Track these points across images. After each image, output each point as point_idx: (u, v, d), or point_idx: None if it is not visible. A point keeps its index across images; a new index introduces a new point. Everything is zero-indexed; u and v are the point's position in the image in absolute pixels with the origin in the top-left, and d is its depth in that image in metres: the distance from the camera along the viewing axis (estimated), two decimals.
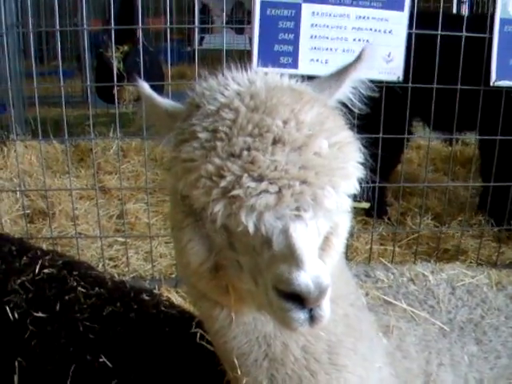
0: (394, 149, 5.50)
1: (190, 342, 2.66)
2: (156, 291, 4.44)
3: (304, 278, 1.61)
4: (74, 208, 5.60)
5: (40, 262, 3.20)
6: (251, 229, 1.69)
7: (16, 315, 2.86)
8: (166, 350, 2.69)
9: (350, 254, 5.41)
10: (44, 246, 5.17)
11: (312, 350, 2.20)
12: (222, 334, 2.16)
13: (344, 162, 1.78)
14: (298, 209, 1.70)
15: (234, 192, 1.65)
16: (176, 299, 4.60)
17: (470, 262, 5.42)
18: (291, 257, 1.63)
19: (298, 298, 1.64)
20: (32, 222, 6.09)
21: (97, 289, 3.04)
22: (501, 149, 5.26)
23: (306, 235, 1.70)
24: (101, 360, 2.54)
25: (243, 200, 1.66)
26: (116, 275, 4.90)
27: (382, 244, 5.99)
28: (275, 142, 1.71)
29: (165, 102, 2.12)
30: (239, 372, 2.19)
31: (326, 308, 1.70)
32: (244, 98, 1.82)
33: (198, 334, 2.63)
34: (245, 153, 1.69)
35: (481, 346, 3.05)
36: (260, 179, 1.67)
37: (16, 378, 2.65)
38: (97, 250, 5.42)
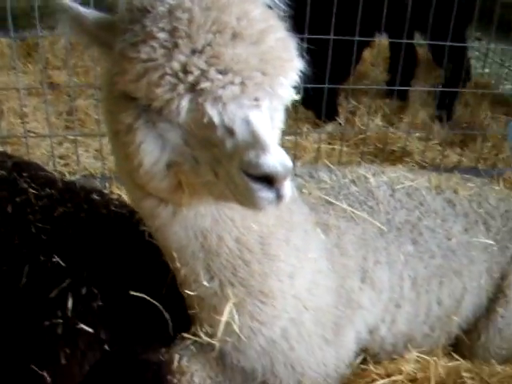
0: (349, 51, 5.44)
1: (139, 240, 2.81)
2: (107, 190, 4.58)
3: (272, 160, 1.79)
4: (23, 105, 5.46)
5: None
6: (216, 120, 1.83)
7: None
8: (116, 248, 2.78)
9: (298, 152, 5.43)
10: None
11: (245, 241, 2.40)
12: (163, 230, 2.33)
13: (291, 55, 1.99)
14: (256, 99, 1.87)
15: (202, 85, 1.78)
16: (126, 195, 4.67)
17: (413, 165, 5.57)
18: (256, 143, 1.81)
19: (266, 180, 1.82)
20: None
21: (47, 190, 3.06)
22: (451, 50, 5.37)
23: (266, 123, 1.87)
24: (54, 260, 2.60)
25: (209, 93, 1.80)
26: (67, 174, 4.98)
27: (330, 143, 6.07)
28: (234, 37, 1.85)
29: (89, 13, 2.10)
30: (178, 264, 2.40)
31: (288, 187, 1.89)
32: None
33: (147, 232, 2.78)
34: (208, 48, 1.81)
35: (417, 247, 3.25)
36: (225, 72, 1.81)
37: None
38: (47, 149, 5.36)
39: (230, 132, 1.85)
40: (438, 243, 3.36)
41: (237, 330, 2.58)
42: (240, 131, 1.85)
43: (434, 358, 3.18)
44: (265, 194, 1.86)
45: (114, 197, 3.61)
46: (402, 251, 3.24)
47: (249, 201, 1.90)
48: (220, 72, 1.81)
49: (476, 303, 3.46)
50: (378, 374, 3.12)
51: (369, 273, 3.10)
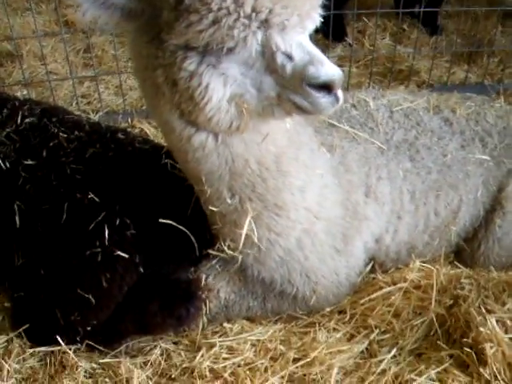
0: None
1: (163, 171, 3.12)
2: (129, 124, 4.86)
3: (330, 70, 2.24)
4: (42, 47, 5.55)
5: (20, 112, 3.45)
6: (282, 46, 2.25)
7: (8, 164, 3.18)
8: (143, 181, 3.09)
9: None
10: (18, 90, 5.37)
11: (264, 162, 2.75)
12: (200, 160, 2.67)
13: None
14: (304, 26, 2.32)
15: (273, 20, 2.21)
16: (148, 129, 4.96)
17: (421, 83, 5.72)
18: (313, 59, 2.24)
19: (325, 88, 2.25)
20: (1, 65, 6.08)
21: (76, 132, 3.35)
22: None
23: (311, 43, 2.33)
24: (89, 196, 2.91)
25: (277, 25, 2.23)
26: (90, 112, 5.20)
27: (340, 65, 6.01)
28: None
29: None
30: (205, 186, 2.75)
31: (341, 92, 2.32)
32: None
33: (169, 164, 3.10)
34: None
35: (414, 163, 3.52)
36: (286, 7, 2.21)
37: (17, 218, 3.03)
38: (69, 89, 5.54)
39: (289, 57, 2.26)
40: (434, 159, 3.60)
41: (256, 241, 2.94)
42: (297, 54, 2.26)
43: (437, 267, 3.47)
44: (327, 98, 2.29)
45: (137, 134, 3.89)
46: (401, 168, 3.51)
47: (315, 107, 2.32)
48: (283, 7, 2.20)
49: (473, 214, 3.72)
50: (385, 282, 3.42)
51: (372, 187, 3.40)
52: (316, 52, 2.29)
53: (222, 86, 2.33)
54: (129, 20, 2.41)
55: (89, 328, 2.93)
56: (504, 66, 6.10)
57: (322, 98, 2.28)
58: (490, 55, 6.20)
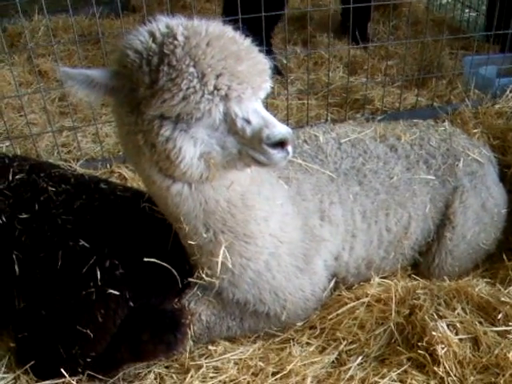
0: None
1: (143, 214, 3.50)
2: (108, 169, 5.18)
3: (282, 130, 2.69)
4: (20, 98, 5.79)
5: (11, 169, 3.74)
6: (240, 114, 2.70)
7: (4, 219, 3.46)
8: (127, 225, 3.44)
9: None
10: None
11: (231, 200, 3.17)
12: (179, 204, 3.08)
13: (266, 61, 2.88)
14: (258, 96, 2.78)
15: (231, 95, 2.65)
16: (126, 173, 5.30)
17: (376, 111, 6.09)
18: (267, 123, 2.69)
19: (280, 145, 2.69)
20: None
21: (63, 185, 3.65)
22: None
23: (264, 109, 2.79)
24: (80, 243, 3.23)
25: (235, 98, 2.66)
26: (71, 161, 5.49)
27: (299, 99, 6.56)
28: (237, 58, 2.69)
29: (95, 72, 2.80)
30: (183, 224, 3.16)
31: (291, 147, 2.76)
32: (201, 37, 2.70)
33: (147, 207, 3.49)
34: (225, 71, 2.62)
35: (362, 186, 3.94)
36: (241, 83, 2.66)
37: (16, 267, 3.32)
38: (49, 139, 5.82)
39: (248, 121, 2.70)
40: (381, 182, 4.02)
41: (230, 267, 3.35)
42: (254, 119, 2.70)
43: (395, 281, 3.85)
44: (280, 154, 2.73)
45: (118, 182, 4.24)
46: (351, 191, 3.93)
47: (271, 161, 2.75)
48: (238, 84, 2.64)
49: (424, 228, 4.14)
50: (349, 298, 3.76)
51: (326, 212, 3.81)
52: (269, 116, 2.73)
53: (192, 147, 2.75)
54: (111, 94, 2.85)
55: (89, 359, 3.23)
56: (452, 88, 6.45)
57: (277, 154, 2.72)
58: (438, 78, 6.59)
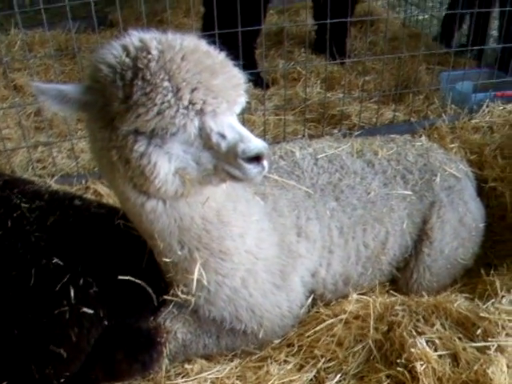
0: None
1: (118, 231, 3.46)
2: (83, 185, 5.13)
3: (257, 145, 2.65)
4: None
5: None
6: (215, 129, 2.66)
7: None
8: (101, 242, 3.39)
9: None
10: None
11: (207, 216, 3.14)
12: (153, 220, 3.04)
13: (241, 75, 2.86)
14: (233, 110, 2.76)
15: (206, 109, 2.63)
16: (102, 189, 5.24)
17: (353, 126, 6.09)
18: (243, 137, 2.66)
19: (255, 160, 2.66)
20: None
21: (37, 202, 3.59)
22: None
23: (238, 123, 2.76)
24: (54, 261, 3.18)
25: (210, 112, 2.64)
26: (46, 176, 5.43)
27: (276, 114, 6.55)
28: (212, 72, 2.67)
29: (69, 87, 2.76)
30: (158, 241, 3.12)
31: (267, 162, 2.73)
32: (175, 51, 2.67)
33: (121, 224, 3.46)
34: (200, 85, 2.60)
35: (339, 202, 3.93)
36: (216, 97, 2.63)
37: None
38: (24, 155, 5.75)
39: (223, 136, 2.67)
40: (358, 197, 4.02)
41: (206, 284, 3.31)
42: (229, 133, 2.66)
43: (373, 297, 3.81)
44: (256, 169, 2.69)
45: (92, 199, 4.20)
46: (327, 207, 3.92)
47: (246, 176, 2.71)
48: (213, 98, 2.62)
49: (402, 244, 4.13)
50: (327, 315, 3.73)
51: (302, 228, 3.79)
52: (244, 131, 2.71)
53: (167, 163, 2.71)
54: (85, 110, 2.81)
55: (62, 379, 3.15)
56: (429, 103, 6.48)
57: (253, 169, 2.69)
58: (415, 93, 6.61)
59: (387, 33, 7.28)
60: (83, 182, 5.41)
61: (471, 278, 4.44)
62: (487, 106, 6.13)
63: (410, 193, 4.14)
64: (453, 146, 5.45)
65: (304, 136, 5.72)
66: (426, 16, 9.19)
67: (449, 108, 6.27)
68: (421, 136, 5.41)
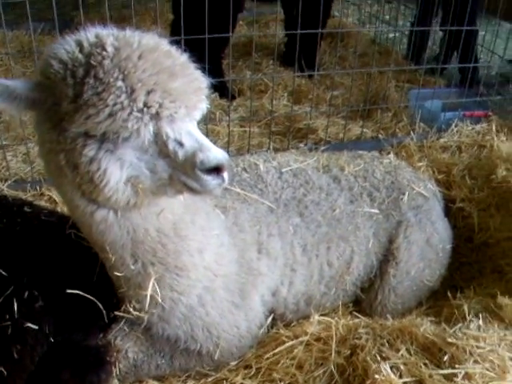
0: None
1: (68, 242, 3.27)
2: (37, 191, 4.91)
3: (217, 155, 2.45)
4: None
5: None
6: (171, 135, 2.46)
7: None
8: (49, 253, 3.18)
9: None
10: None
11: (162, 229, 2.93)
12: (104, 231, 2.82)
13: (204, 79, 2.65)
14: (192, 116, 2.54)
15: (163, 113, 2.41)
16: (57, 196, 4.97)
17: (319, 141, 5.98)
18: (202, 146, 2.45)
19: (215, 171, 2.46)
20: None
21: None
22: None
23: (198, 131, 2.54)
24: None
25: (166, 117, 2.43)
26: None
27: (241, 126, 6.41)
28: (171, 74, 2.46)
29: (17, 83, 2.53)
30: (109, 254, 2.90)
31: (227, 173, 2.53)
32: (132, 49, 2.46)
33: (73, 234, 3.27)
34: (157, 87, 2.40)
35: (303, 218, 3.78)
36: (174, 101, 2.42)
37: None
38: None
39: (180, 144, 2.46)
40: (323, 214, 3.87)
41: (160, 301, 3.10)
42: (187, 141, 2.46)
43: (336, 319, 3.66)
44: (216, 181, 2.50)
45: (44, 206, 3.98)
46: (291, 223, 3.77)
47: (204, 188, 2.52)
48: (171, 101, 2.41)
49: (367, 264, 4.01)
50: (287, 337, 3.56)
51: (264, 244, 3.63)
52: (204, 139, 2.50)
53: (118, 170, 2.50)
54: (33, 108, 2.58)
55: None
56: (397, 120, 6.43)
57: (212, 181, 2.49)
58: (383, 110, 6.56)
59: (357, 48, 7.21)
60: (38, 188, 5.17)
61: (437, 300, 4.35)
62: (456, 126, 6.12)
63: (376, 211, 4.03)
64: (421, 164, 5.39)
65: (269, 149, 5.60)
66: (397, 34, 9.20)
67: (417, 126, 6.23)
68: (389, 153, 5.33)
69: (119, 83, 2.36)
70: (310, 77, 7.40)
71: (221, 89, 6.64)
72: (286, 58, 8.03)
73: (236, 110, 6.84)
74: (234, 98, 6.96)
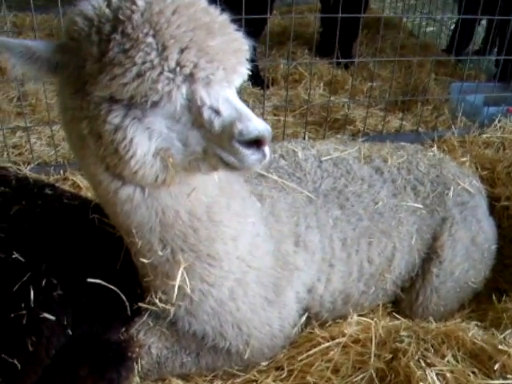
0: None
1: (91, 227, 3.05)
2: (61, 176, 4.74)
3: (259, 126, 2.19)
4: None
5: None
6: (208, 101, 2.21)
7: None
8: (70, 239, 2.98)
9: None
10: None
11: (195, 212, 2.68)
12: (130, 212, 2.59)
13: (245, 42, 2.39)
14: (231, 81, 2.28)
15: (198, 75, 2.16)
16: (81, 181, 4.82)
17: (357, 132, 5.78)
18: (241, 115, 2.20)
19: (255, 144, 2.20)
20: None
21: (2, 188, 3.23)
22: None
23: (238, 99, 2.28)
24: (13, 256, 2.77)
25: (202, 79, 2.18)
26: (21, 164, 5.04)
27: (275, 114, 6.24)
28: (208, 31, 2.22)
29: (38, 43, 2.31)
30: (135, 238, 2.67)
31: (268, 148, 2.27)
32: (166, 4, 2.22)
33: (96, 219, 3.05)
34: (192, 44, 2.15)
35: (344, 211, 3.54)
36: (211, 61, 2.18)
37: None
38: None
39: (217, 112, 2.22)
40: (365, 207, 3.64)
41: (188, 293, 2.88)
42: (225, 109, 2.21)
43: (375, 319, 3.44)
44: (255, 155, 2.24)
45: (66, 189, 3.79)
46: (330, 215, 3.54)
47: (243, 164, 2.27)
48: (208, 61, 2.17)
49: (409, 262, 3.77)
50: (323, 338, 3.37)
51: (301, 237, 3.40)
52: (243, 108, 2.26)
53: (147, 140, 2.27)
54: (56, 72, 2.36)
55: None
56: (438, 114, 6.23)
57: (252, 155, 2.24)
58: (423, 103, 6.35)
59: (396, 39, 6.98)
60: (61, 172, 5.00)
61: (480, 303, 4.13)
62: (499, 121, 5.86)
63: (420, 206, 3.78)
64: (464, 159, 5.12)
65: (304, 139, 5.36)
66: (435, 28, 8.96)
67: (459, 120, 6.00)
68: (431, 147, 5.04)
69: (149, 39, 2.13)
70: (346, 68, 7.18)
71: (254, 77, 6.41)
72: (321, 49, 7.78)
73: (269, 98, 6.65)
74: (267, 87, 6.74)
